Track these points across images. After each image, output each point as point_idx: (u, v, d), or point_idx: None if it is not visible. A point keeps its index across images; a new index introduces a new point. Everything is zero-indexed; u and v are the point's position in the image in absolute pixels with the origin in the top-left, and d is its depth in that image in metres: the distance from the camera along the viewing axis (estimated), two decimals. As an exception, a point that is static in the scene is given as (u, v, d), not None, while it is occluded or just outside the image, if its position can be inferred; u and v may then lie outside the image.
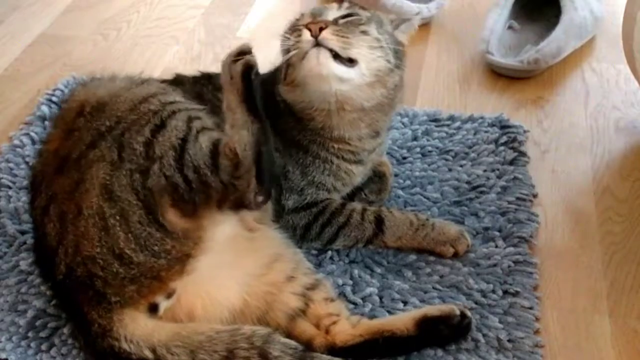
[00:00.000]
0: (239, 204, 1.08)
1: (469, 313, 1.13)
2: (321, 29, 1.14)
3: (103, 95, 1.12)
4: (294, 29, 1.20)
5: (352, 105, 1.21)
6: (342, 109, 1.22)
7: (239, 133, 1.06)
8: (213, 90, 1.26)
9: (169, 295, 1.06)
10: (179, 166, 1.04)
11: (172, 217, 1.04)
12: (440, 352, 1.11)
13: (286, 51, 1.18)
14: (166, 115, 1.09)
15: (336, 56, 1.14)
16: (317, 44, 1.14)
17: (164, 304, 1.06)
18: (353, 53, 1.15)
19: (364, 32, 1.18)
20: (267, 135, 1.09)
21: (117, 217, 1.02)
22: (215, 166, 1.05)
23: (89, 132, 1.07)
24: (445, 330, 1.11)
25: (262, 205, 1.10)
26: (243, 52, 1.09)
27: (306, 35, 1.14)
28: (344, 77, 1.16)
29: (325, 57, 1.14)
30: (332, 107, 1.21)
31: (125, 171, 1.03)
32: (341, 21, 1.19)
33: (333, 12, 1.21)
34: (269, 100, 1.19)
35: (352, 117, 1.24)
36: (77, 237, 1.03)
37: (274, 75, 1.26)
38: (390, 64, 1.21)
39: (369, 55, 1.17)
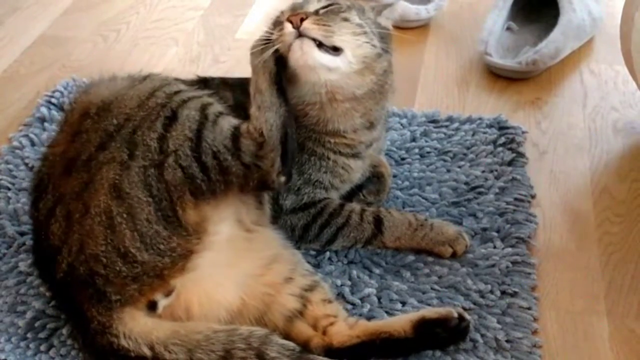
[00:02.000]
0: (261, 185, 1.11)
1: (467, 316, 1.13)
2: (302, 20, 1.14)
3: (107, 95, 1.13)
4: (276, 24, 1.21)
5: (344, 94, 1.22)
6: (334, 99, 1.22)
7: (265, 115, 1.10)
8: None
9: (168, 294, 1.06)
10: (196, 155, 1.06)
11: (190, 211, 1.05)
12: (438, 353, 1.12)
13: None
14: (176, 106, 1.10)
15: (320, 45, 1.15)
16: (300, 34, 1.14)
17: (162, 302, 1.06)
18: (337, 41, 1.16)
19: (345, 19, 1.19)
20: (291, 119, 1.13)
21: (124, 215, 1.03)
22: (237, 148, 1.08)
23: (97, 133, 1.08)
24: (442, 333, 1.11)
25: (283, 185, 1.14)
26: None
27: (288, 27, 1.15)
28: (330, 66, 1.16)
29: (309, 47, 1.14)
30: (323, 99, 1.22)
31: (137, 168, 1.04)
32: (322, 11, 1.19)
33: (314, 4, 1.22)
34: None
35: (345, 107, 1.24)
36: (82, 235, 1.03)
37: None
38: (376, 49, 1.21)
39: (354, 41, 1.18)
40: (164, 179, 1.04)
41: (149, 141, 1.06)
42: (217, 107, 1.13)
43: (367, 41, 1.19)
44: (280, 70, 1.14)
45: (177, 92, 1.13)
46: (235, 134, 1.09)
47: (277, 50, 1.15)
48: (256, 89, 1.13)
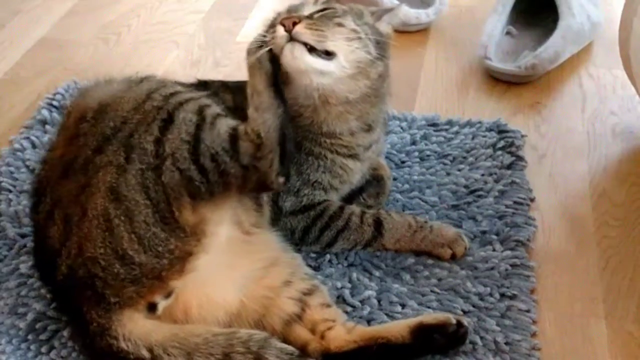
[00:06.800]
0: (260, 186, 1.11)
1: (465, 322, 1.12)
2: (294, 24, 1.14)
3: (104, 98, 1.13)
4: (271, 25, 1.21)
5: (337, 98, 1.22)
6: (327, 102, 1.22)
7: (263, 116, 1.10)
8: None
9: (168, 295, 1.07)
10: (194, 157, 1.06)
11: (187, 212, 1.05)
12: (437, 355, 1.12)
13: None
14: (172, 108, 1.10)
15: (312, 50, 1.15)
16: (292, 38, 1.14)
17: (162, 304, 1.06)
18: (329, 45, 1.16)
19: (339, 24, 1.18)
20: (288, 119, 1.13)
21: (122, 218, 1.03)
22: (235, 151, 1.08)
23: (94, 136, 1.08)
24: (440, 339, 1.11)
25: (282, 186, 1.13)
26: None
27: (280, 30, 1.15)
28: (322, 70, 1.17)
29: (300, 51, 1.14)
30: (316, 102, 1.22)
31: (135, 171, 1.04)
32: (316, 15, 1.19)
33: (309, 8, 1.22)
34: None
35: (339, 111, 1.24)
36: (80, 238, 1.03)
37: None
38: (370, 55, 1.21)
39: (347, 47, 1.18)
40: (161, 182, 1.04)
41: (145, 144, 1.06)
42: (214, 108, 1.13)
43: (361, 47, 1.19)
44: (276, 70, 1.15)
45: (173, 94, 1.13)
46: (233, 136, 1.09)
47: (271, 50, 1.15)
48: (253, 89, 1.13)
